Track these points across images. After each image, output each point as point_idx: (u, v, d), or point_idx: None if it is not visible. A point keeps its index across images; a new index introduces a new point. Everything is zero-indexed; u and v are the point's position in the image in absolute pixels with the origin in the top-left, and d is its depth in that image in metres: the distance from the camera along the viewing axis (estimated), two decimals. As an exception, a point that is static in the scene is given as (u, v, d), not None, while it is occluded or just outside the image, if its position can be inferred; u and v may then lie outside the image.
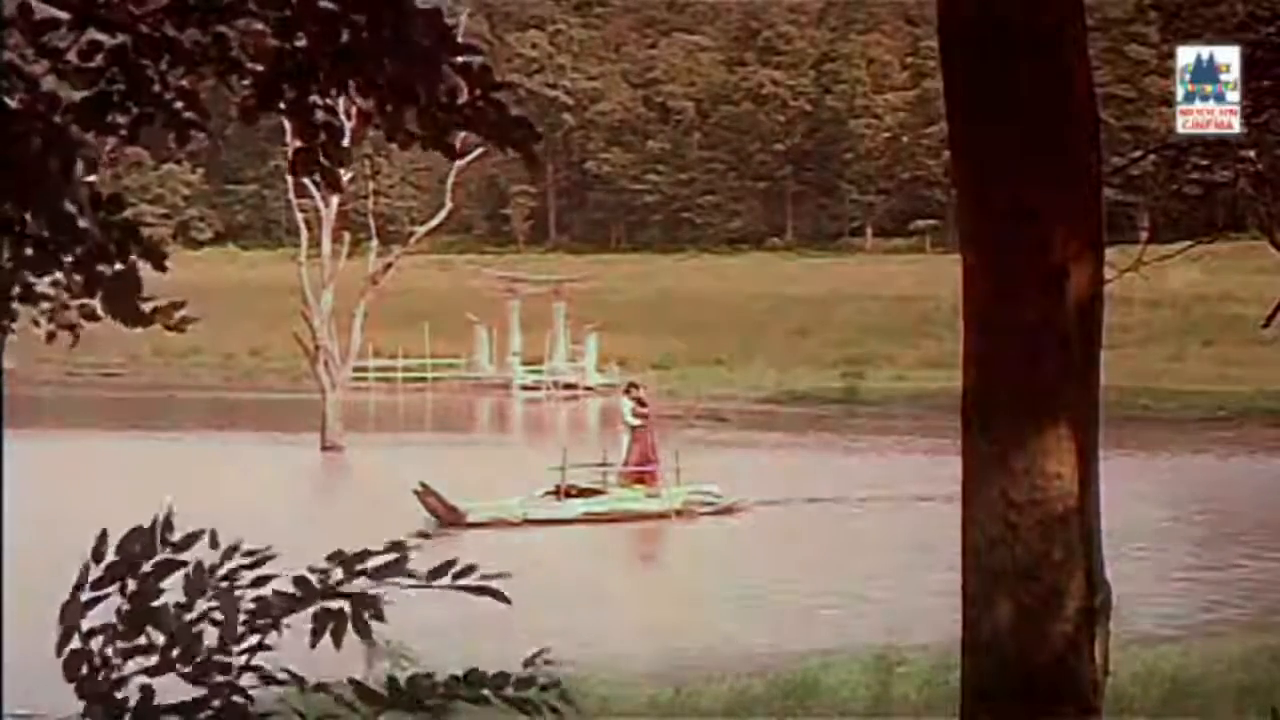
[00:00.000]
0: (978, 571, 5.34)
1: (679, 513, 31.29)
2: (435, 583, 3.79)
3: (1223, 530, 30.16)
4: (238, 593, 3.79)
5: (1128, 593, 21.59)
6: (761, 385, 65.73)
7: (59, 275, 4.22)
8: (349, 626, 3.71)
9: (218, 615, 3.76)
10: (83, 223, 4.04)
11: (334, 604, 3.72)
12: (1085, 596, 5.29)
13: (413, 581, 3.77)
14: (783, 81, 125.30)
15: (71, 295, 4.27)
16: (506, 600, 3.80)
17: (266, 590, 3.81)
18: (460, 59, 4.08)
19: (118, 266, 4.12)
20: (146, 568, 3.79)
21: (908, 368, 67.04)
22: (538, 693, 3.81)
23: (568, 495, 30.95)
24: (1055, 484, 5.25)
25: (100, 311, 4.25)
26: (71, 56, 4.09)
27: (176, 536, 3.84)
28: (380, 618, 3.72)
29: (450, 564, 3.82)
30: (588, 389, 64.63)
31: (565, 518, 30.32)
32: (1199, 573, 25.62)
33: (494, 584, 3.85)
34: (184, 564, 3.81)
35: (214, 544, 3.80)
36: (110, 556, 3.80)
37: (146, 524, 3.85)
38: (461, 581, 3.80)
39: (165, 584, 3.81)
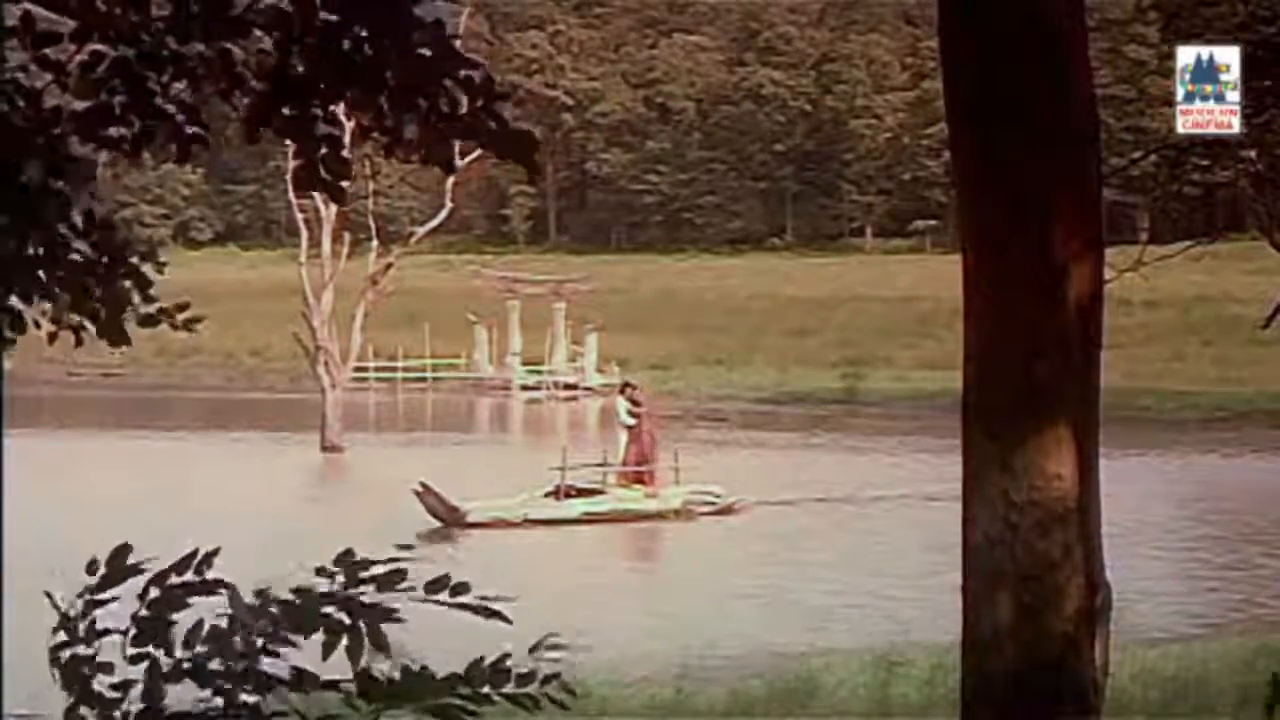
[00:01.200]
0: (978, 571, 5.35)
1: (678, 513, 31.30)
2: (437, 598, 3.80)
3: (1238, 530, 30.16)
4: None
5: (1156, 592, 21.81)
6: (761, 385, 65.73)
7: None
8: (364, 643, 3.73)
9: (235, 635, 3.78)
10: (77, 244, 4.06)
11: (346, 618, 3.73)
12: (1085, 596, 5.29)
13: (414, 595, 3.78)
14: (783, 81, 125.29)
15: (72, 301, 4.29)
16: (508, 621, 3.81)
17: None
18: (462, 71, 4.08)
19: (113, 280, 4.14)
20: (174, 580, 3.81)
21: (907, 368, 66.99)
22: (539, 687, 3.82)
23: (567, 495, 30.96)
24: (1055, 484, 5.25)
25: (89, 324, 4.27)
26: (73, 69, 4.09)
27: (209, 573, 3.87)
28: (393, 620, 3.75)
29: (446, 578, 3.84)
30: (588, 389, 64.61)
31: (565, 518, 30.32)
32: (1223, 571, 25.63)
33: (498, 600, 3.86)
34: (211, 591, 3.83)
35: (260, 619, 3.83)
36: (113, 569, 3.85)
37: (143, 528, 3.89)
38: (464, 600, 3.81)
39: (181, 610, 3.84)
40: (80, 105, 4.10)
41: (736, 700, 14.69)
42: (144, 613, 3.77)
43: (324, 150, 4.15)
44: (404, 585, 3.80)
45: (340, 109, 4.23)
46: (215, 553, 3.88)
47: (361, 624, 3.72)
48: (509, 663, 3.83)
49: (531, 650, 3.84)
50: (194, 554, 3.86)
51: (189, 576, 3.83)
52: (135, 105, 4.08)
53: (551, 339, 69.28)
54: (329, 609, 3.75)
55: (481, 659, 3.82)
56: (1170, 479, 37.96)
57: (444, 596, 3.79)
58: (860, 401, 60.36)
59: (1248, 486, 36.70)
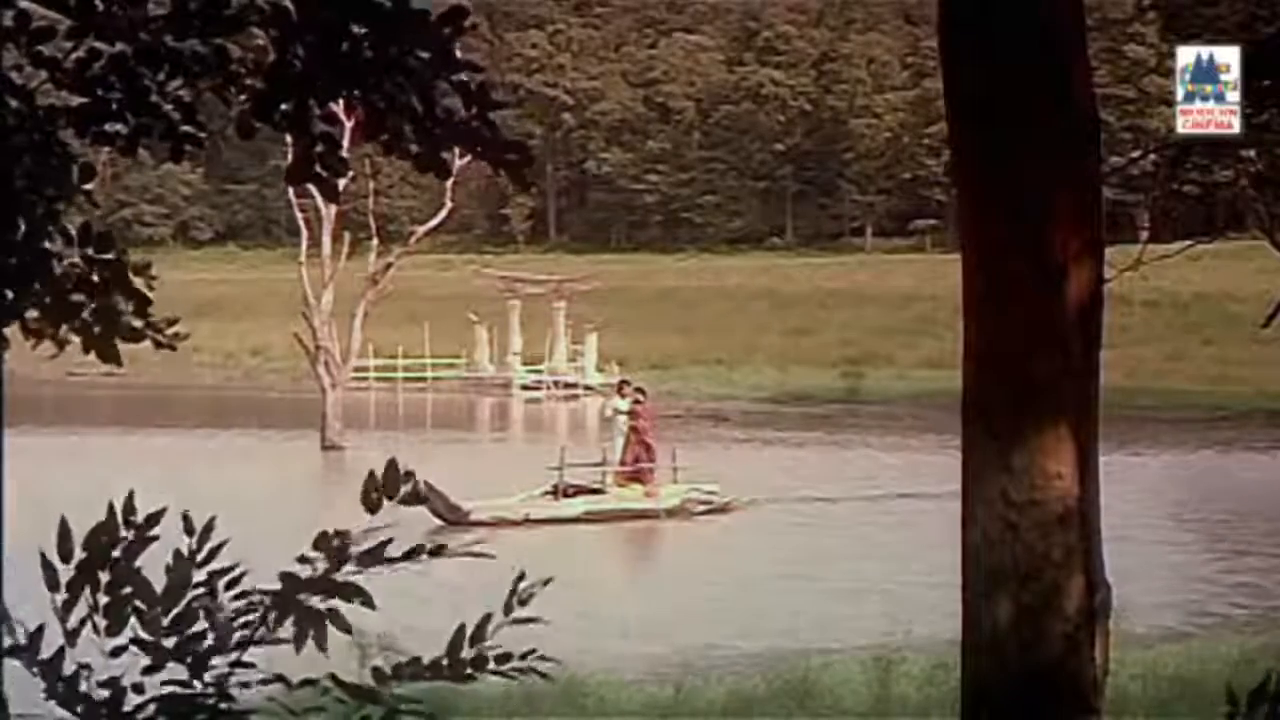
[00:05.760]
0: (978, 571, 5.34)
1: (675, 512, 31.34)
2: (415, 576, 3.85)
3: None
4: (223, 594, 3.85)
5: (1241, 585, 22.12)
6: (761, 385, 65.70)
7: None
8: (328, 626, 3.76)
9: (207, 613, 3.80)
10: (69, 255, 4.05)
11: (314, 604, 3.76)
12: (1085, 596, 5.29)
13: (398, 568, 3.84)
14: (783, 81, 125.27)
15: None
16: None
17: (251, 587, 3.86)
18: (459, 77, 4.07)
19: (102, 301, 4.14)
20: (116, 554, 3.84)
21: (908, 367, 66.95)
22: (519, 661, 3.90)
23: (566, 494, 30.99)
24: (1055, 484, 5.25)
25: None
26: (69, 66, 4.08)
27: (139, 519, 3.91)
28: (369, 604, 3.79)
29: (421, 546, 3.91)
30: (587, 389, 64.57)
31: (565, 516, 30.35)
32: None
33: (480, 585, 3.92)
34: (154, 539, 3.87)
35: (188, 529, 3.87)
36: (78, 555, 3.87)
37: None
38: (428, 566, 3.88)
39: (140, 565, 3.87)
40: (76, 101, 4.09)
41: (736, 700, 14.69)
42: (105, 600, 3.80)
43: (320, 147, 4.14)
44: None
45: (340, 107, 4.23)
46: (132, 495, 3.93)
47: (323, 608, 3.75)
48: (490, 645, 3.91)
49: (502, 661, 3.91)
50: (110, 511, 3.90)
51: (125, 533, 3.86)
52: (131, 102, 4.07)
53: (551, 339, 69.27)
54: (304, 595, 3.78)
55: (459, 646, 3.88)
56: (1221, 477, 38.21)
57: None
58: (862, 401, 60.35)
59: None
